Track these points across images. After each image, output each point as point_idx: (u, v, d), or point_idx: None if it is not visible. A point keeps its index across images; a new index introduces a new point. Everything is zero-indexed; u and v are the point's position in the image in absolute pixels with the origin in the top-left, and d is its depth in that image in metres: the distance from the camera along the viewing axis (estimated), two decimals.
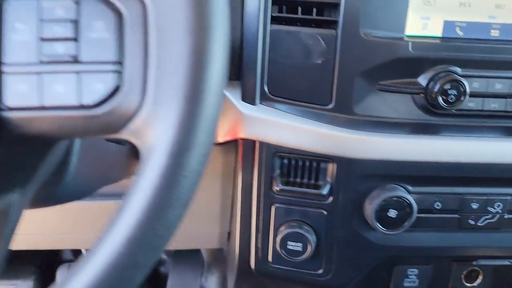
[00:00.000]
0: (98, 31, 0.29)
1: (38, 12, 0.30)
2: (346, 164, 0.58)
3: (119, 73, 0.29)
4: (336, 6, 0.55)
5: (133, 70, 0.29)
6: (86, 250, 1.15)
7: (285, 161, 0.60)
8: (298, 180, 0.60)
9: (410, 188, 0.59)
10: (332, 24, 0.56)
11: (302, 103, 0.58)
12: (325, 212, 0.60)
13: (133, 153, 0.66)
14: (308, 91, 0.58)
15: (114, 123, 0.30)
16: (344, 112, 0.57)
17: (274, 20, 0.57)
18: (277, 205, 0.61)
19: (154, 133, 0.29)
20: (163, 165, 0.29)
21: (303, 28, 0.56)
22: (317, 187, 0.60)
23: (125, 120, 0.30)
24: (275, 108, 0.58)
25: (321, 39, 0.56)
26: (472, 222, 0.61)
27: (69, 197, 0.49)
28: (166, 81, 0.29)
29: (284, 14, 0.57)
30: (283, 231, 0.60)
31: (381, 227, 0.58)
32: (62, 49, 0.29)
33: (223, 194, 0.76)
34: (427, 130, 0.58)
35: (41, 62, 0.30)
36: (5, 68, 0.30)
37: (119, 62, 0.29)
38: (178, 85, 0.29)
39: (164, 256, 1.14)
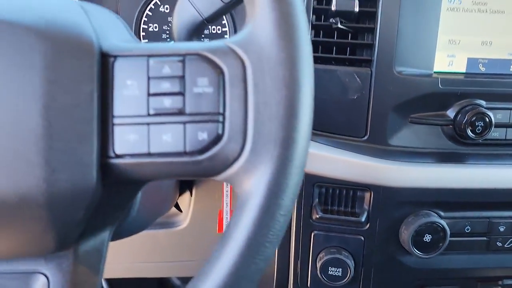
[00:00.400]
0: (202, 86, 0.33)
1: (147, 70, 0.33)
2: (382, 192, 0.62)
3: (221, 123, 0.33)
4: (370, 46, 0.60)
5: (233, 120, 0.33)
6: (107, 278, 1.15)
7: (323, 190, 0.64)
8: (335, 208, 0.64)
9: (442, 213, 0.63)
10: (366, 63, 0.61)
11: (338, 135, 0.62)
12: (362, 238, 0.63)
13: (177, 186, 0.69)
14: (344, 124, 0.62)
15: (214, 168, 0.33)
16: (379, 144, 0.61)
17: None
18: (316, 232, 0.64)
19: (253, 177, 0.33)
20: (263, 206, 0.32)
21: (339, 67, 0.61)
22: (353, 214, 0.63)
23: (225, 166, 0.33)
24: (313, 141, 0.62)
25: (356, 77, 0.60)
26: (500, 244, 0.65)
27: (132, 230, 0.51)
28: (263, 130, 0.32)
29: (320, 54, 0.61)
30: (324, 257, 0.63)
31: (417, 251, 0.61)
32: (169, 103, 0.33)
33: None
34: (455, 159, 0.62)
35: (149, 115, 0.33)
36: (115, 120, 0.33)
37: (221, 114, 0.33)
38: (274, 134, 0.32)
39: (177, 282, 1.15)
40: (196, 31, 0.49)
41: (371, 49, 0.60)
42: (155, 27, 0.72)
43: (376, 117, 0.61)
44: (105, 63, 0.33)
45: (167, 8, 0.72)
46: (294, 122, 0.32)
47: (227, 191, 0.60)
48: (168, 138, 0.33)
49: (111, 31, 0.36)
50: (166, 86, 0.33)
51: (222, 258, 0.33)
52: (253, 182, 0.33)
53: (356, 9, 0.58)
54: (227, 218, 0.60)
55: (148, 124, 0.33)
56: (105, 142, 0.33)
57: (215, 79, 0.33)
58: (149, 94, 0.33)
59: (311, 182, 0.62)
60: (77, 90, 0.31)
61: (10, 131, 0.30)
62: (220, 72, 0.33)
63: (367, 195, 0.63)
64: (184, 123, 0.33)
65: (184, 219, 0.78)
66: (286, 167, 0.33)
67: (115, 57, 0.33)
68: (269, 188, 0.32)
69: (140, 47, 0.34)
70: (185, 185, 0.74)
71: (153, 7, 0.71)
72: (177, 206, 0.79)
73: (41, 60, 0.31)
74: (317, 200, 0.64)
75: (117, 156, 0.33)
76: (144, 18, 0.71)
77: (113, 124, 0.33)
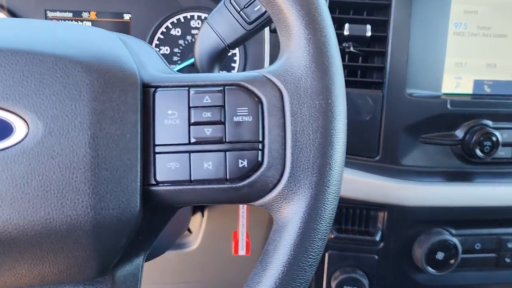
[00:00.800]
0: (242, 115, 0.34)
1: (188, 100, 0.34)
2: (396, 211, 0.63)
3: (261, 150, 0.34)
4: (381, 69, 0.62)
5: (272, 148, 0.34)
6: None
7: (337, 210, 0.65)
8: (350, 227, 0.65)
9: (453, 231, 0.65)
10: (377, 85, 0.62)
11: (351, 156, 0.64)
12: (376, 257, 0.64)
13: (191, 208, 0.69)
14: (357, 145, 0.63)
15: (253, 194, 0.34)
16: (391, 163, 0.63)
17: None
18: (330, 252, 0.65)
19: (291, 203, 0.34)
20: (303, 232, 0.33)
21: (351, 89, 0.62)
22: (368, 233, 0.65)
23: (264, 192, 0.34)
24: None
25: (369, 99, 0.62)
26: (508, 260, 0.67)
27: (156, 253, 0.52)
28: (301, 157, 0.33)
29: None
30: (338, 276, 0.64)
31: (430, 269, 0.62)
32: (210, 131, 0.34)
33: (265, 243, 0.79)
34: (465, 178, 0.64)
35: (190, 143, 0.34)
36: (157, 149, 0.34)
37: (260, 141, 0.34)
38: (312, 161, 0.33)
39: None
40: (218, 57, 0.50)
41: (382, 72, 0.62)
42: (167, 50, 0.73)
43: (388, 138, 0.62)
44: (146, 93, 0.34)
45: (178, 32, 0.73)
46: (330, 150, 0.34)
47: (243, 213, 0.61)
48: (209, 166, 0.34)
49: (148, 62, 0.37)
50: (207, 115, 0.34)
51: (263, 283, 0.33)
52: (291, 208, 0.34)
53: (368, 34, 0.60)
54: (243, 239, 0.61)
55: (189, 152, 0.34)
56: (146, 170, 0.34)
57: (254, 108, 0.34)
58: (190, 123, 0.34)
59: None
60: (123, 120, 0.32)
61: (60, 161, 0.31)
62: (259, 101, 0.34)
63: (380, 214, 0.64)
64: (225, 151, 0.34)
65: (195, 240, 0.78)
66: (324, 193, 0.34)
67: (156, 87, 0.34)
68: (308, 213, 0.33)
69: (180, 78, 0.35)
70: (197, 206, 0.75)
71: (164, 30, 0.72)
72: None
73: (88, 92, 0.31)
74: None
75: (158, 183, 0.34)
76: (156, 41, 0.73)
77: (154, 153, 0.34)
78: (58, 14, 0.71)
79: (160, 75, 0.35)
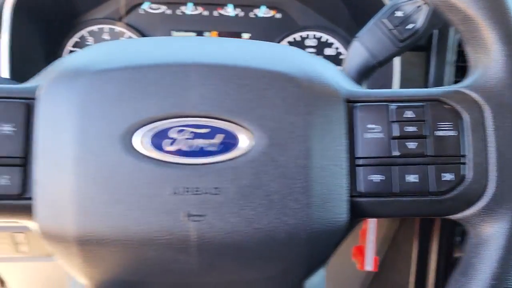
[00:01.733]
0: (443, 130, 0.35)
1: (387, 114, 0.35)
2: None
3: (465, 165, 0.34)
4: None
5: (477, 162, 0.34)
6: None
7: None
8: None
9: None
10: None
11: None
12: None
13: None
14: None
15: (455, 208, 0.35)
16: None
17: None
18: None
19: (497, 218, 0.34)
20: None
21: None
22: None
23: (466, 206, 0.35)
24: None
25: None
26: None
27: None
28: (507, 171, 0.34)
29: None
30: None
31: None
32: (412, 145, 0.35)
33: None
34: None
35: (392, 157, 0.35)
36: (358, 161, 0.35)
37: (464, 156, 0.34)
38: None
39: None
40: (367, 74, 0.51)
41: None
42: None
43: None
44: (347, 108, 0.35)
45: None
46: None
47: (371, 228, 0.61)
48: (411, 179, 0.35)
49: (339, 78, 0.38)
50: (408, 129, 0.35)
51: None
52: (497, 222, 0.34)
53: None
54: (371, 255, 0.61)
55: (391, 165, 0.35)
56: (351, 182, 0.35)
57: (456, 123, 0.35)
58: (391, 137, 0.35)
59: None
60: (332, 133, 0.34)
61: (282, 171, 0.32)
62: (459, 116, 0.35)
63: None
64: (427, 164, 0.35)
65: None
66: None
67: (355, 102, 0.36)
68: None
69: (378, 94, 0.36)
70: None
71: None
72: None
73: (303, 106, 0.33)
74: (459, 238, 0.64)
75: (361, 195, 0.35)
76: None
77: (355, 165, 0.35)
78: (182, 33, 0.75)
79: (357, 90, 0.37)
